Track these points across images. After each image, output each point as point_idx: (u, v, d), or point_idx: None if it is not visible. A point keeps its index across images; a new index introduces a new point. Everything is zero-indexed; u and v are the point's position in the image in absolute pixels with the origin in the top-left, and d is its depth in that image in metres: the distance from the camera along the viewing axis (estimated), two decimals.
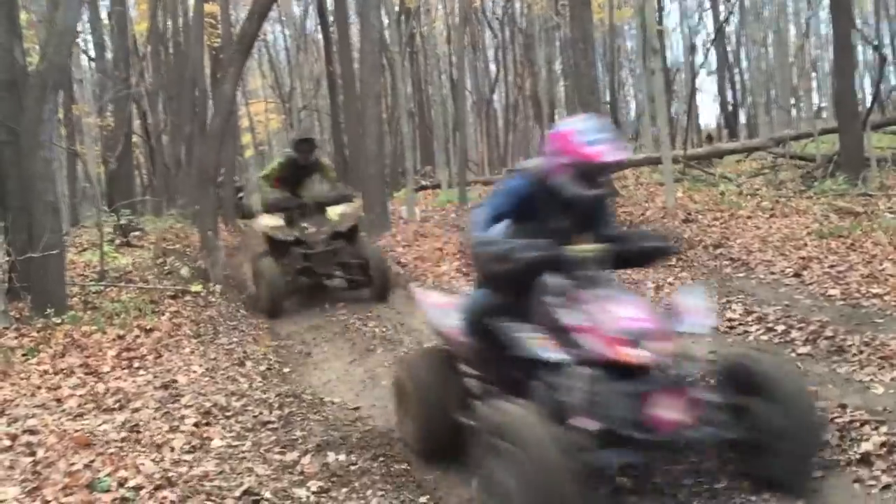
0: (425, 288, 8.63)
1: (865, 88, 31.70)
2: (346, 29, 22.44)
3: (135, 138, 23.50)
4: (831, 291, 7.26)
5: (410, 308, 8.42)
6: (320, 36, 32.75)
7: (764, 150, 18.81)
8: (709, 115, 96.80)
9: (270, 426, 5.42)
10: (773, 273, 8.34)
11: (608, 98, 31.20)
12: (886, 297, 6.71)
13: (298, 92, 36.79)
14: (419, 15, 31.22)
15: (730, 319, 6.90)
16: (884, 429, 4.15)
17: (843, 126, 13.62)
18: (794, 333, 6.19)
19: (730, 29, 37.45)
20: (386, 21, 23.22)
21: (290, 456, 4.79)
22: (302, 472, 4.54)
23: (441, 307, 4.94)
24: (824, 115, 31.99)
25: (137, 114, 23.89)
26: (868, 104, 17.38)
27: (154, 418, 5.40)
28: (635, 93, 39.52)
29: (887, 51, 30.40)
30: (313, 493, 4.26)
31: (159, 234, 15.43)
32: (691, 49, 36.86)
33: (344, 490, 4.31)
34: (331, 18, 28.07)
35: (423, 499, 4.21)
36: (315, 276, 9.87)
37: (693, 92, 31.05)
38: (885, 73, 30.35)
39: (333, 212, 10.19)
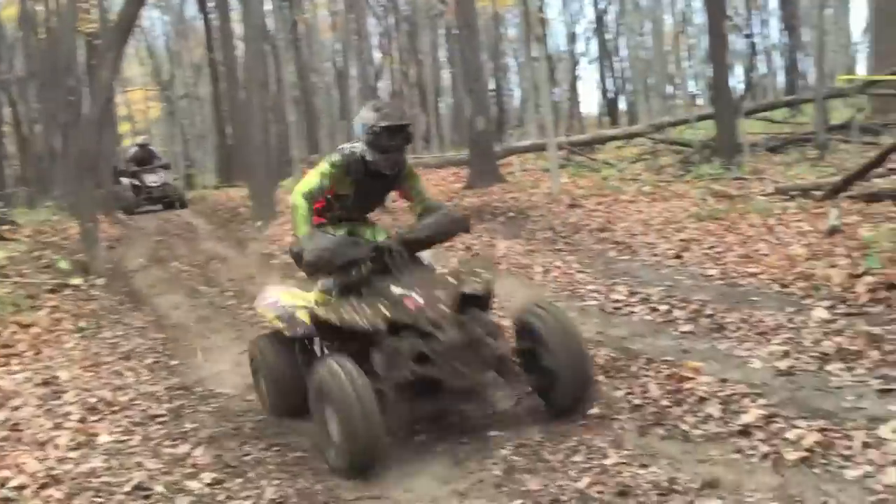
0: None
1: (738, 76, 33.07)
2: (227, 15, 22.00)
3: (5, 127, 22.55)
4: (710, 272, 7.53)
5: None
6: (201, 22, 32.04)
7: (644, 136, 19.34)
8: (590, 102, 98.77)
9: (160, 420, 5.31)
10: (655, 255, 8.59)
11: (493, 85, 31.53)
12: (761, 276, 7.00)
13: (179, 80, 35.95)
14: (302, 1, 30.83)
15: (615, 301, 7.09)
16: (762, 401, 4.34)
17: (719, 113, 14.16)
18: (677, 313, 6.40)
19: (609, 18, 38.43)
20: (268, 7, 22.88)
21: (182, 449, 4.70)
22: (194, 465, 4.46)
23: None
24: (699, 101, 33.08)
25: (7, 102, 22.95)
26: (741, 91, 18.14)
27: (36, 416, 5.24)
28: (520, 80, 40.08)
29: (757, 40, 31.70)
30: (207, 484, 4.19)
31: (35, 227, 14.86)
32: (572, 38, 37.62)
33: (238, 480, 4.25)
34: (211, 4, 27.50)
35: (318, 486, 4.19)
36: (445, 396, 4.43)
37: (575, 80, 31.71)
38: (755, 61, 31.74)
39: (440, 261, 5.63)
